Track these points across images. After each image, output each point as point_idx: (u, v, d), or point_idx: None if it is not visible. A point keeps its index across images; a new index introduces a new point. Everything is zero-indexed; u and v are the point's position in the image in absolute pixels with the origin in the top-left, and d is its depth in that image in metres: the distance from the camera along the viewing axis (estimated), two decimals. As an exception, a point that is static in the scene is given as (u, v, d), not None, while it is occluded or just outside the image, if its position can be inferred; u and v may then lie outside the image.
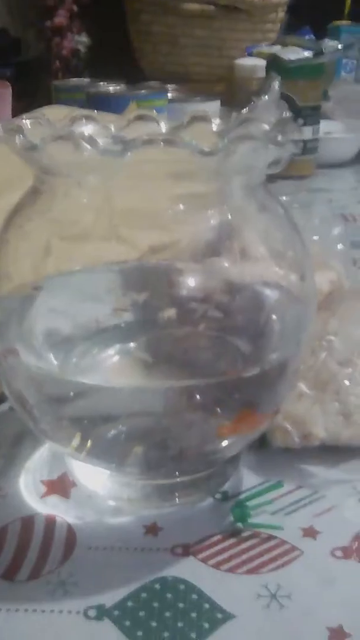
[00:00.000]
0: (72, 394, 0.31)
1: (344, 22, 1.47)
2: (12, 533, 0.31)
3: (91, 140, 0.23)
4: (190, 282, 0.34)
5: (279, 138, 0.25)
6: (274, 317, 0.32)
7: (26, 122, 0.28)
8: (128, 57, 1.26)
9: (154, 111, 0.33)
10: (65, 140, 0.24)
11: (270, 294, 0.33)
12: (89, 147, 0.23)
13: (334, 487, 0.33)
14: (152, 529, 0.31)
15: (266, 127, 0.27)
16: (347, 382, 0.37)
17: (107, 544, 0.30)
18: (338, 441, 0.35)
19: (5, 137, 0.25)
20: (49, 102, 0.90)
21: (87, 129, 0.30)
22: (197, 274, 0.34)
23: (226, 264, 0.33)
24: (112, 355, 0.34)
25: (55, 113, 0.54)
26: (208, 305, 0.32)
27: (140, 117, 0.31)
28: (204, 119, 0.31)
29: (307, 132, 0.86)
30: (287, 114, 0.30)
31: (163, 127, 0.31)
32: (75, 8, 1.91)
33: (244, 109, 0.35)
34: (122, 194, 0.29)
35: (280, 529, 0.30)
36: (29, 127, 0.27)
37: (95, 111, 0.40)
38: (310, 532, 0.30)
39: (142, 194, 0.29)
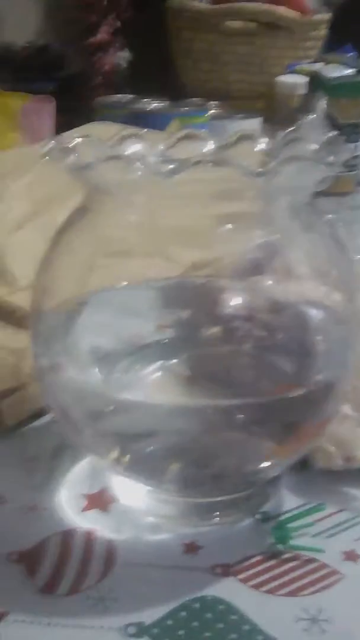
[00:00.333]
0: (113, 408, 0.31)
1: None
2: (52, 547, 0.31)
3: (143, 161, 0.23)
4: (234, 300, 0.34)
5: (329, 158, 0.25)
6: (318, 337, 0.32)
7: (77, 140, 0.28)
8: (169, 73, 1.27)
9: (201, 130, 0.33)
10: (117, 160, 0.24)
11: (315, 313, 0.33)
12: (140, 167, 0.23)
13: (377, 510, 0.33)
14: (191, 548, 0.31)
15: (315, 147, 0.27)
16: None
17: (146, 561, 0.30)
18: (381, 464, 0.34)
19: (58, 156, 0.26)
20: (90, 117, 0.91)
21: (136, 148, 0.30)
22: (240, 292, 0.34)
23: (270, 283, 0.33)
24: (153, 371, 0.34)
25: (101, 130, 0.55)
26: (251, 324, 0.33)
27: (187, 136, 0.31)
28: (251, 138, 0.31)
29: (348, 149, 0.85)
30: (335, 133, 0.30)
31: (210, 146, 0.31)
32: (117, 24, 1.95)
33: (290, 128, 0.35)
34: (168, 211, 0.30)
35: (321, 551, 0.30)
36: (81, 145, 0.28)
37: (142, 129, 0.41)
38: (351, 556, 0.30)
39: (188, 213, 0.29)
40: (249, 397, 0.30)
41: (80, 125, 0.66)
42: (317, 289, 0.32)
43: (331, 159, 0.25)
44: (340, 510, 0.33)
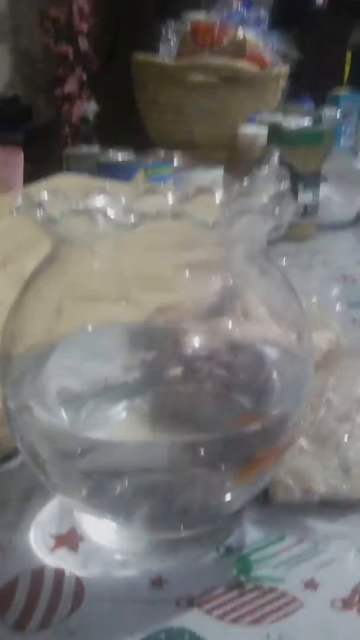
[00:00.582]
0: (81, 448, 0.33)
1: (343, 90, 1.53)
2: (22, 584, 0.32)
3: (106, 215, 0.25)
4: (195, 341, 0.36)
5: (276, 211, 0.27)
6: (274, 374, 0.34)
7: (44, 195, 0.30)
8: (135, 124, 1.31)
9: (163, 183, 0.36)
10: (82, 214, 0.26)
11: (271, 352, 0.35)
12: (104, 221, 0.25)
13: (334, 540, 0.34)
14: (157, 582, 0.32)
15: (264, 200, 0.30)
16: (345, 438, 0.38)
17: (114, 596, 0.31)
18: (338, 496, 0.36)
19: (27, 210, 0.28)
20: (59, 167, 0.93)
21: (101, 201, 0.32)
22: (201, 333, 0.36)
23: (229, 324, 0.35)
24: (119, 411, 0.36)
25: (69, 182, 0.58)
26: (212, 363, 0.34)
27: (149, 190, 0.34)
28: (208, 191, 0.34)
29: (307, 197, 0.89)
30: (284, 186, 0.32)
31: (170, 199, 0.33)
32: (84, 77, 2.00)
33: (245, 180, 0.37)
34: (132, 260, 0.32)
35: (282, 581, 0.31)
36: (48, 200, 0.30)
37: (107, 181, 0.43)
38: (311, 584, 0.31)
39: (151, 260, 0.31)
40: (211, 432, 0.32)
41: (49, 174, 0.68)
42: (272, 329, 0.34)
43: (276, 211, 0.27)
44: (300, 542, 0.34)
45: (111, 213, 0.26)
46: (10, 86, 2.20)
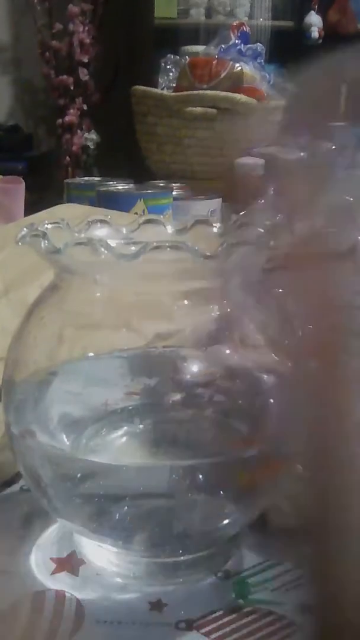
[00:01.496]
0: (81, 472, 0.33)
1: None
2: (23, 607, 0.32)
3: (107, 245, 0.26)
4: (194, 368, 0.37)
5: (271, 243, 0.29)
6: (271, 400, 0.35)
7: (47, 226, 0.31)
8: (135, 154, 1.33)
9: (161, 214, 0.37)
10: (84, 245, 0.27)
11: (268, 379, 0.36)
12: (105, 251, 0.26)
13: (331, 565, 0.35)
14: (157, 605, 0.32)
15: (260, 232, 0.31)
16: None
17: (114, 619, 0.31)
18: (334, 520, 0.37)
19: (31, 240, 0.29)
20: (59, 195, 0.95)
21: (102, 231, 0.33)
22: (200, 360, 0.36)
23: (227, 352, 0.36)
24: (120, 436, 0.36)
25: (69, 212, 0.59)
26: (210, 390, 0.35)
27: (149, 221, 0.35)
28: (206, 222, 0.35)
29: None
30: (281, 217, 0.33)
31: (169, 230, 0.35)
32: (85, 107, 2.04)
33: (242, 211, 0.38)
34: (132, 288, 0.33)
35: (279, 604, 0.32)
36: (50, 230, 0.31)
37: (107, 212, 0.44)
38: (308, 608, 0.32)
39: (150, 289, 0.32)
40: (209, 457, 0.33)
41: (49, 202, 0.70)
42: (269, 357, 0.35)
43: (272, 243, 0.29)
44: (297, 566, 0.35)
45: (112, 243, 0.28)
46: (12, 115, 2.24)
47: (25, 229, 0.31)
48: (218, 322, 0.35)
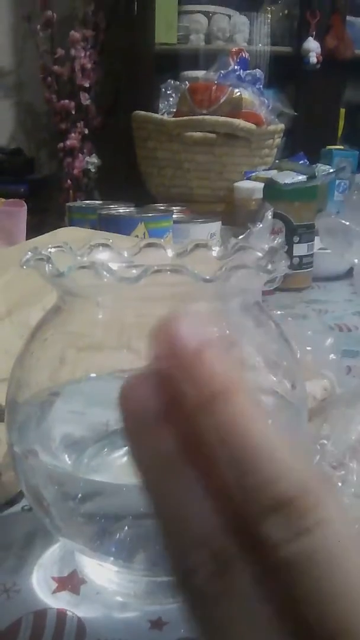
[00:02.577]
0: (83, 492, 0.34)
1: (337, 147, 1.58)
2: (25, 626, 0.32)
3: (109, 269, 0.27)
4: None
5: (269, 266, 0.29)
6: (270, 421, 0.35)
7: (51, 250, 0.32)
8: (135, 178, 1.34)
9: (162, 238, 0.38)
10: (87, 269, 0.28)
11: (266, 400, 0.36)
12: (107, 274, 0.27)
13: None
14: (157, 624, 0.33)
15: (259, 255, 0.32)
16: (340, 484, 0.39)
17: (114, 637, 0.32)
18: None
19: (35, 264, 0.30)
20: (61, 218, 0.96)
21: (104, 255, 0.34)
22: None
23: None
24: (120, 455, 0.37)
25: (71, 235, 0.60)
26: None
27: (149, 244, 0.36)
28: (205, 246, 0.36)
29: (302, 249, 0.92)
30: (278, 241, 0.34)
31: (169, 253, 0.35)
32: (86, 131, 2.06)
33: (241, 235, 0.39)
34: (132, 310, 0.33)
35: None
36: (54, 255, 0.31)
37: (109, 235, 0.45)
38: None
39: (150, 311, 0.33)
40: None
41: (51, 225, 0.71)
42: (267, 378, 0.36)
43: (269, 266, 0.29)
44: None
45: (114, 267, 0.28)
46: (14, 139, 2.26)
47: (29, 252, 0.31)
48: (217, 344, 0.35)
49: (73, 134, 2.05)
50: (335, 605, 0.16)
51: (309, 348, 0.51)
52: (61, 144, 2.06)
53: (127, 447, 0.37)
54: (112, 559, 0.34)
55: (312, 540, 0.17)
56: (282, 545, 0.17)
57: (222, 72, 1.34)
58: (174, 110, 1.31)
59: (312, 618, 0.16)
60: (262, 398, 0.36)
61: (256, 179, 1.06)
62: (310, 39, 2.10)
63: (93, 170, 1.98)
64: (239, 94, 1.26)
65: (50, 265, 0.29)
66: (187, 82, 1.33)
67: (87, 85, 2.01)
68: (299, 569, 0.16)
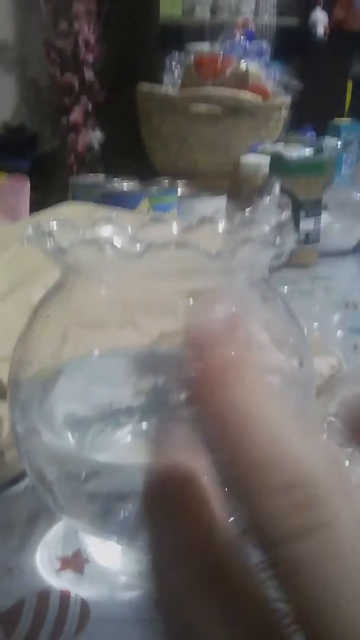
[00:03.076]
0: (86, 471, 0.33)
1: (344, 120, 1.56)
2: (28, 606, 0.32)
3: (113, 244, 0.26)
4: (199, 366, 0.37)
5: (277, 241, 0.29)
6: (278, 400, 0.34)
7: (54, 226, 0.31)
8: (140, 153, 1.33)
9: (166, 212, 0.37)
10: (90, 244, 0.27)
11: (273, 378, 0.35)
12: (111, 250, 0.26)
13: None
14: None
15: (266, 229, 0.31)
16: (347, 462, 0.39)
17: (119, 617, 0.31)
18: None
19: (37, 240, 0.29)
20: (64, 194, 0.95)
21: (107, 230, 0.33)
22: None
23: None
24: (124, 434, 0.36)
25: (74, 210, 0.59)
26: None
27: (154, 219, 0.35)
28: (211, 220, 0.35)
29: (309, 224, 0.90)
30: (286, 216, 0.33)
31: (174, 228, 0.34)
32: (89, 106, 2.04)
33: (247, 209, 0.38)
34: (137, 287, 0.33)
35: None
36: (57, 230, 0.31)
37: (112, 209, 0.44)
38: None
39: (155, 288, 0.32)
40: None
41: (54, 202, 0.70)
42: (274, 356, 0.35)
43: (277, 240, 0.28)
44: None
45: (118, 243, 0.27)
46: (17, 115, 2.24)
47: (31, 228, 0.31)
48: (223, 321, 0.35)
49: (76, 109, 2.03)
50: (322, 617, 0.14)
51: (316, 324, 0.50)
52: (64, 120, 2.04)
53: (131, 426, 0.36)
54: (116, 537, 0.34)
55: (304, 546, 0.14)
56: (272, 546, 0.15)
57: (227, 44, 1.32)
58: (179, 83, 1.29)
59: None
60: (269, 376, 0.35)
61: (262, 153, 1.04)
62: (318, 9, 2.06)
63: (96, 145, 1.96)
64: (244, 66, 1.24)
65: (52, 241, 0.29)
66: (192, 55, 1.31)
67: (90, 59, 1.99)
68: (282, 575, 0.15)
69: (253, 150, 1.11)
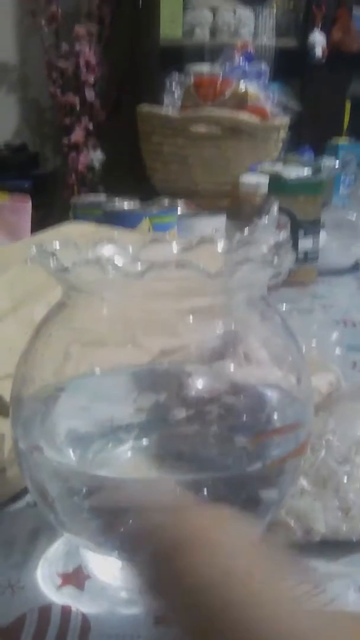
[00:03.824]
0: (88, 486, 0.34)
1: (342, 139, 1.57)
2: (30, 621, 0.32)
3: (114, 264, 0.27)
4: (199, 383, 0.37)
5: (275, 260, 0.29)
6: (275, 416, 0.35)
7: (57, 246, 0.32)
8: (140, 173, 1.34)
9: (167, 233, 0.37)
10: (92, 264, 0.28)
11: (271, 394, 0.36)
12: (112, 270, 0.27)
13: (335, 580, 0.35)
14: (161, 619, 0.33)
15: (264, 249, 0.31)
16: (345, 479, 0.39)
17: (119, 633, 0.32)
18: (338, 536, 0.37)
19: (41, 259, 0.30)
20: (65, 213, 0.96)
21: (109, 250, 0.34)
22: (205, 376, 0.37)
23: (231, 367, 0.36)
24: (125, 451, 0.37)
25: (76, 230, 0.60)
26: (215, 405, 0.36)
27: (155, 239, 0.35)
28: (211, 240, 0.35)
29: (307, 243, 0.91)
30: (284, 235, 0.34)
31: (174, 248, 0.35)
32: (90, 126, 2.06)
33: (246, 229, 0.39)
34: (137, 305, 0.33)
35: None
36: (60, 250, 0.31)
37: (113, 229, 0.45)
38: (312, 623, 0.32)
39: (155, 306, 0.33)
40: (213, 472, 0.33)
41: (55, 220, 0.70)
42: (273, 373, 0.36)
43: (275, 260, 0.29)
44: (302, 582, 0.35)
45: (119, 262, 0.28)
46: (19, 134, 2.26)
47: (35, 248, 0.31)
48: (222, 339, 0.35)
49: (77, 129, 2.05)
50: None
51: (314, 342, 0.50)
52: (66, 139, 2.05)
53: (131, 442, 0.37)
54: (116, 554, 0.34)
55: None
56: None
57: (227, 65, 1.33)
58: (179, 104, 1.31)
59: None
60: (268, 392, 0.36)
61: (261, 174, 1.05)
62: (316, 31, 2.09)
63: (97, 165, 1.98)
64: (244, 87, 1.26)
65: (55, 261, 0.29)
66: (192, 76, 1.32)
67: (91, 80, 2.01)
68: None
69: (252, 170, 1.12)
